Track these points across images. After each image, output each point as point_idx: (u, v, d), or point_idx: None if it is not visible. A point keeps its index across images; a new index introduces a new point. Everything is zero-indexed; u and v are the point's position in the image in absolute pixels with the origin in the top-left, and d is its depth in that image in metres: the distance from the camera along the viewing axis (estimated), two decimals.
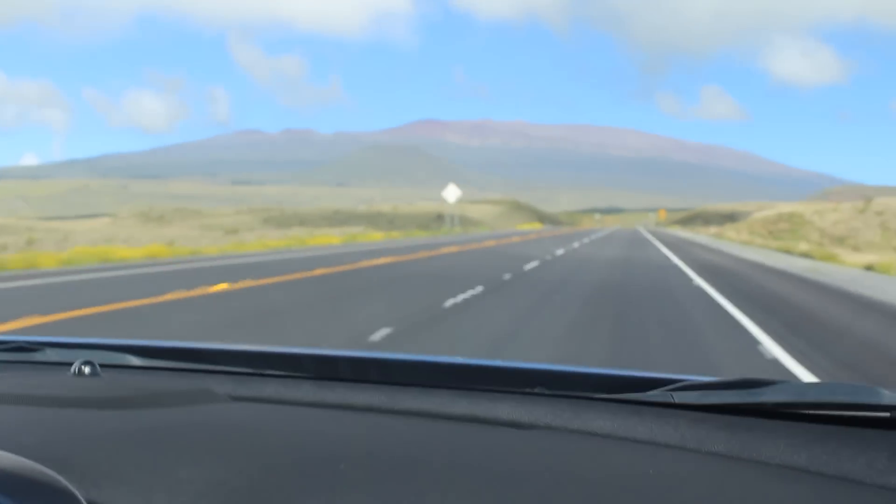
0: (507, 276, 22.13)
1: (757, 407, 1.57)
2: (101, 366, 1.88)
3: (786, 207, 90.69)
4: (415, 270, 25.22)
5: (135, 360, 2.04)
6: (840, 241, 73.93)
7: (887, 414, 1.50)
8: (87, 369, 1.83)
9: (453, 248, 43.62)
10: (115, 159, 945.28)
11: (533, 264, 28.45)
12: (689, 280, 22.50)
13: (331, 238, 57.21)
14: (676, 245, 55.93)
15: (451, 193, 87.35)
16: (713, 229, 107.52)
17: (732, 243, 62.74)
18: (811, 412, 1.55)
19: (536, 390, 1.72)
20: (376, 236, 65.30)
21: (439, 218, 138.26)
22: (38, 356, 2.06)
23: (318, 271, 23.74)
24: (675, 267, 28.45)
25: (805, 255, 40.88)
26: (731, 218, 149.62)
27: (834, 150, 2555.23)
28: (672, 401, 1.61)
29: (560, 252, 40.44)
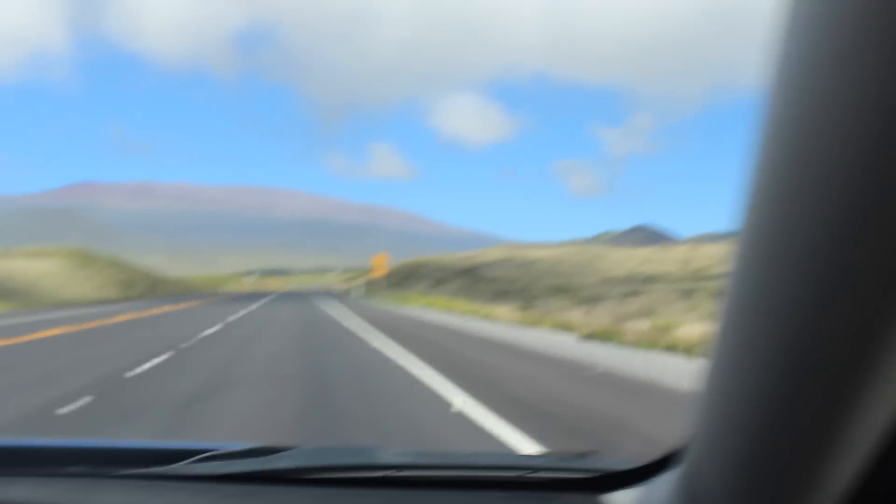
0: None
1: (271, 474, 1.59)
2: None
3: None
4: None
5: None
6: None
7: (382, 473, 1.59)
8: None
9: None
10: None
11: None
12: None
13: None
14: None
15: None
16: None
17: None
18: (322, 476, 1.58)
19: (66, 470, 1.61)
20: None
21: None
22: None
23: None
24: None
25: None
26: (469, 275, 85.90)
27: (496, 209, 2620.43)
28: (193, 472, 1.58)
29: None
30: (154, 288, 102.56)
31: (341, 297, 68.34)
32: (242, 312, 37.90)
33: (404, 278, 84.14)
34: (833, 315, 0.73)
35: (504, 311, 33.83)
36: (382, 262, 57.49)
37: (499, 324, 27.30)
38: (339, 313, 35.47)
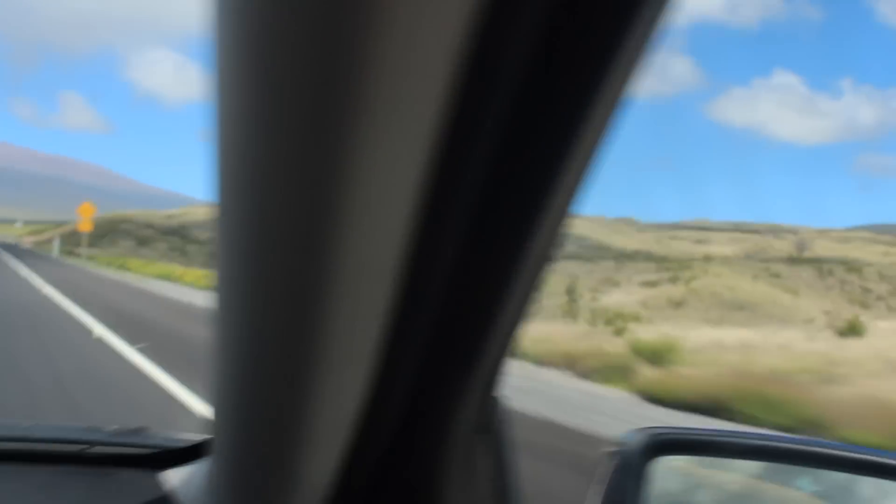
0: None
1: None
2: None
3: None
4: None
5: None
6: None
7: None
8: None
9: None
10: None
11: None
12: None
13: None
14: None
15: None
16: None
17: None
18: None
19: None
20: None
21: None
22: None
23: None
24: None
25: None
26: (178, 235, 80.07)
27: (194, 170, 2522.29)
28: None
29: None
30: None
31: (36, 255, 54.21)
32: None
33: (102, 236, 75.95)
34: (271, 316, 0.70)
35: None
36: (88, 215, 48.13)
37: None
38: (53, 292, 20.97)
